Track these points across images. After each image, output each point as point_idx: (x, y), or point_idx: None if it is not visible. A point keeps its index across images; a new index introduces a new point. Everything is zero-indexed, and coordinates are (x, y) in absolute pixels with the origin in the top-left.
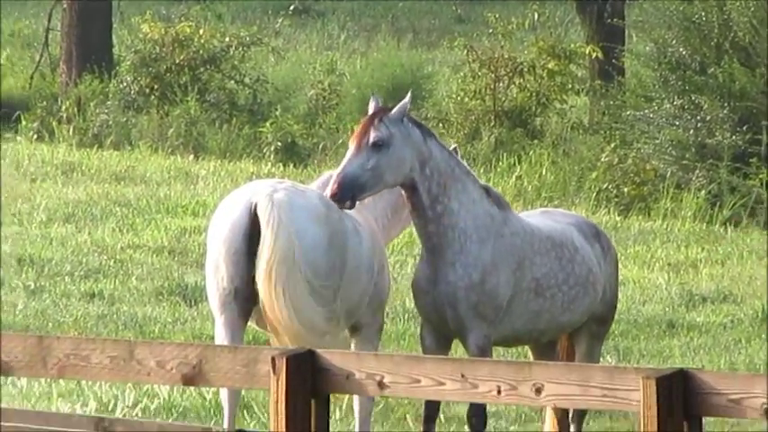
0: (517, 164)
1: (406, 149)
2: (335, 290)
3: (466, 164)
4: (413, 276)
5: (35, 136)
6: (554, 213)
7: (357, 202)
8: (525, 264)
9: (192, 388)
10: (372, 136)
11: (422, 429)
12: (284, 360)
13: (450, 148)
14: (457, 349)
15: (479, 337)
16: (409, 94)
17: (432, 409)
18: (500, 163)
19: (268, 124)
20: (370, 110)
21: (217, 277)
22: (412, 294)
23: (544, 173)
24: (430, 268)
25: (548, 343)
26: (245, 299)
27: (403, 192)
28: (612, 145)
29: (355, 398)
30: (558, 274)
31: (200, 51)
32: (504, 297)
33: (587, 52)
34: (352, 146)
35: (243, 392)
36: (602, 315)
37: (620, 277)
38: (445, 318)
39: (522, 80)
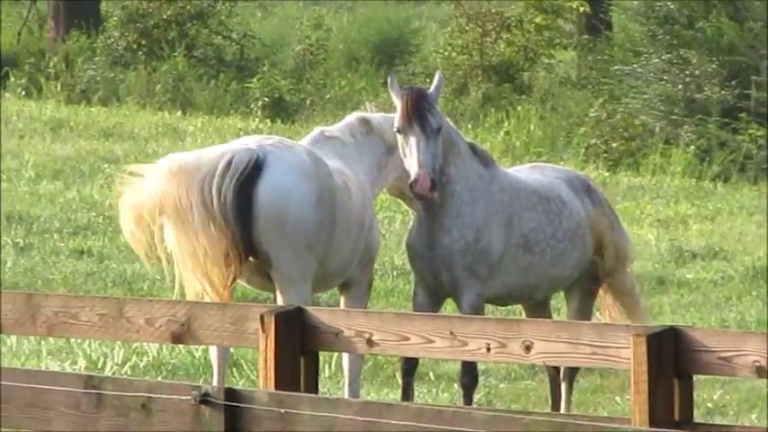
0: (505, 119)
1: None
2: (326, 246)
3: (452, 122)
4: (408, 238)
5: (23, 92)
6: (544, 168)
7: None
8: (514, 219)
9: (181, 346)
10: (433, 123)
11: (401, 383)
12: (273, 317)
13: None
14: (446, 307)
15: (473, 297)
16: (439, 73)
17: (410, 362)
18: (488, 118)
19: (255, 80)
20: (392, 86)
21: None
22: (407, 256)
23: (532, 128)
24: (427, 232)
25: (540, 302)
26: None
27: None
28: (601, 100)
29: (344, 355)
30: (545, 228)
31: (187, 7)
32: (497, 254)
33: (575, 6)
34: (413, 136)
35: (232, 350)
36: (594, 271)
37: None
38: (440, 279)
39: (509, 35)
